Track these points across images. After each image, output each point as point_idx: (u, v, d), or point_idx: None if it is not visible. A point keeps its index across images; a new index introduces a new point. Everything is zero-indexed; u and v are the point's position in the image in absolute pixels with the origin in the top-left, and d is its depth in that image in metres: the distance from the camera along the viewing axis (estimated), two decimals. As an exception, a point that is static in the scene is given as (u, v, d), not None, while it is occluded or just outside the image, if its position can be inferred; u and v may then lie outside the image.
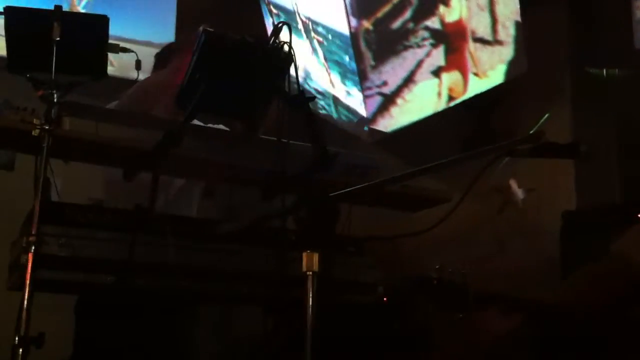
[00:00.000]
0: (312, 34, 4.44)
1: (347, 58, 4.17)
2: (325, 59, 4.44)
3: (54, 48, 2.20)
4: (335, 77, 4.41)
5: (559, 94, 3.88)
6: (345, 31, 4.05)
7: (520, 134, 2.02)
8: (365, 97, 4.10)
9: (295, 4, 4.52)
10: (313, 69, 4.55)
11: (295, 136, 2.43)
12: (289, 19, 4.49)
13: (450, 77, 4.05)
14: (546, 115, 3.37)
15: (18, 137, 2.18)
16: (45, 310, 2.08)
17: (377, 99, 4.11)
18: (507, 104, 4.00)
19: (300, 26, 4.49)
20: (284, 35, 2.41)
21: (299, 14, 4.52)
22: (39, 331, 1.95)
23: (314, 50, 4.49)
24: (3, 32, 2.30)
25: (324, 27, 4.31)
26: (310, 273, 1.65)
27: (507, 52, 3.93)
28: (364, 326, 2.65)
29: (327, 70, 4.47)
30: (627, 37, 3.45)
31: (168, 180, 2.73)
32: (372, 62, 4.08)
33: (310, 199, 1.73)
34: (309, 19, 4.44)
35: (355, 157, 2.75)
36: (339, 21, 4.07)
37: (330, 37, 4.28)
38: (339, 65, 4.31)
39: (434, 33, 4.01)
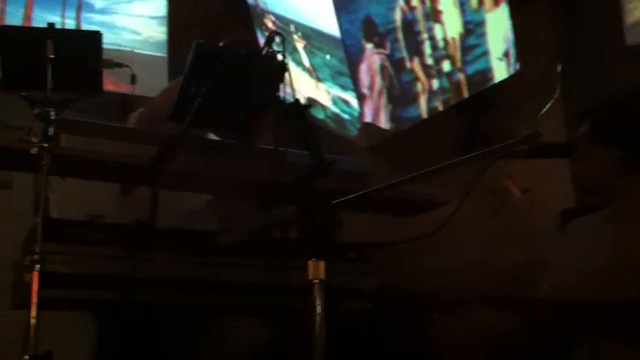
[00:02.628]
0: (294, 36, 4.41)
1: (336, 60, 4.15)
2: (311, 62, 4.41)
3: (48, 66, 2.20)
4: (323, 81, 4.37)
5: (549, 94, 3.90)
6: (335, 33, 4.03)
7: (513, 134, 2.03)
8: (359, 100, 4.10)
9: (265, 3, 4.51)
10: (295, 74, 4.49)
11: (291, 144, 2.44)
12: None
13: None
14: (551, 102, 3.38)
15: (16, 156, 2.17)
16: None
17: (370, 102, 4.11)
18: (498, 105, 4.02)
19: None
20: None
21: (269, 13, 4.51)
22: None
23: (295, 52, 4.46)
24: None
25: (309, 28, 4.29)
26: (317, 281, 1.66)
27: (496, 53, 3.94)
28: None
29: (312, 74, 4.44)
30: (618, 35, 3.47)
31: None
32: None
33: (313, 207, 1.74)
34: (287, 20, 4.41)
35: (349, 163, 2.75)
36: (329, 22, 4.06)
37: (316, 39, 4.25)
38: (327, 68, 4.29)
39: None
